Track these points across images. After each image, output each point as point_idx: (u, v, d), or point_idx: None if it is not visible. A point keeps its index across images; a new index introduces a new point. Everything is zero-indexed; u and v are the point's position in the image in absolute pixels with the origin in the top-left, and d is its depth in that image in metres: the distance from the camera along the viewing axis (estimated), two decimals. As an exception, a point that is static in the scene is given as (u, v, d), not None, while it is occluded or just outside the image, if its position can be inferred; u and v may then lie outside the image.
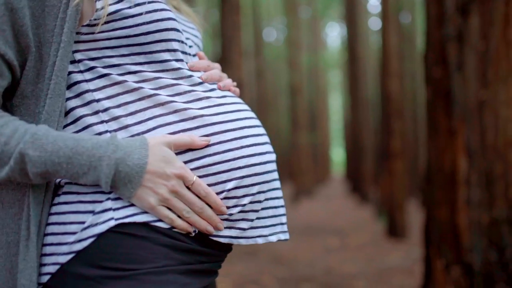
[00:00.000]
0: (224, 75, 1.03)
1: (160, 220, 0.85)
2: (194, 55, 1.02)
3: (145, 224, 0.85)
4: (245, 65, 15.49)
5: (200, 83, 0.95)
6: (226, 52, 5.55)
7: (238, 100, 1.00)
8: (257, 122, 0.99)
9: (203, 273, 0.91)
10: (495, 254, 3.00)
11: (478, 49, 3.08)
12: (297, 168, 15.31)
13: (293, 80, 15.66)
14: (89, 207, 0.86)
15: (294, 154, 15.60)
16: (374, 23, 22.05)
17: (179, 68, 0.92)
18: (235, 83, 1.04)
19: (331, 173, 32.83)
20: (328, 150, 29.07)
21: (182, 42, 0.94)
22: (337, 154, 43.83)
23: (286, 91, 21.88)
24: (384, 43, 8.49)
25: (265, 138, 0.99)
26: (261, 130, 0.99)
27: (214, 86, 0.97)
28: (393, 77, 8.16)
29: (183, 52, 0.95)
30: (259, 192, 0.93)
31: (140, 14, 0.88)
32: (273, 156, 0.98)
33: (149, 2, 0.90)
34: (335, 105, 40.52)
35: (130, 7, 0.88)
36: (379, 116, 10.81)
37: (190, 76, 0.94)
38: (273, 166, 0.98)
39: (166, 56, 0.91)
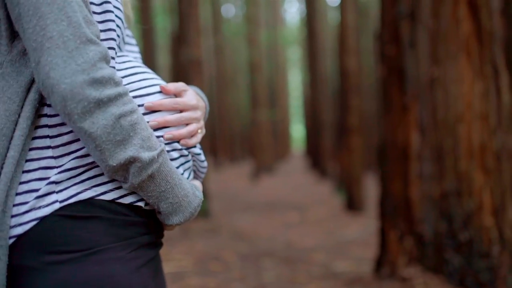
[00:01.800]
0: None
1: (103, 193, 0.89)
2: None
3: (87, 202, 0.87)
4: (204, 42, 15.31)
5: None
6: (183, 29, 5.49)
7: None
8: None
9: (147, 246, 0.94)
10: (445, 224, 3.15)
11: (429, 27, 3.16)
12: (257, 145, 15.41)
13: (252, 57, 15.64)
14: (35, 185, 0.88)
15: (254, 131, 15.67)
16: (333, 0, 22.16)
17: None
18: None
19: (291, 149, 33.18)
20: (288, 127, 29.31)
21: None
22: (297, 131, 44.24)
23: (245, 68, 21.83)
24: (342, 20, 8.57)
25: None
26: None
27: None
28: (351, 53, 8.27)
29: None
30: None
31: None
32: None
33: None
34: (295, 82, 40.73)
35: None
36: (338, 92, 10.96)
37: None
38: None
39: None
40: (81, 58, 0.82)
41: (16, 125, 0.87)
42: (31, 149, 0.89)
